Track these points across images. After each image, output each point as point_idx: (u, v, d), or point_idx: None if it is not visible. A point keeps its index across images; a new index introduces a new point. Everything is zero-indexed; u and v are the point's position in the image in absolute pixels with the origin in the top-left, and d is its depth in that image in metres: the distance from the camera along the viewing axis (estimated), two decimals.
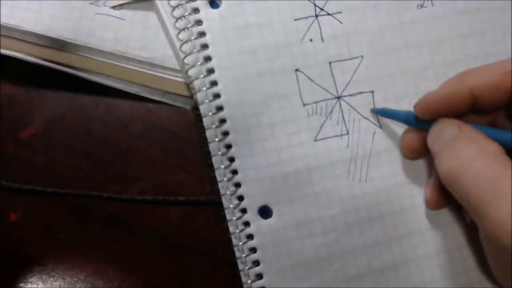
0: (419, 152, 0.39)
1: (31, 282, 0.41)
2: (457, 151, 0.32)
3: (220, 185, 0.40)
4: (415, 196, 0.41)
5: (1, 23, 0.41)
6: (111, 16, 0.43)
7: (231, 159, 0.40)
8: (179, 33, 0.41)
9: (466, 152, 0.31)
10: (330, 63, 0.42)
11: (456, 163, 0.32)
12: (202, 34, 0.40)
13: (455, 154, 0.32)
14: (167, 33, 0.43)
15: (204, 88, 0.40)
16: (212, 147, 0.40)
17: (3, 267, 0.41)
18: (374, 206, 0.41)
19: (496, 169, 0.30)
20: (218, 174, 0.40)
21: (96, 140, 0.44)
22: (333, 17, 0.42)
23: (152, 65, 0.43)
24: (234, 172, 0.40)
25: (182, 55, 0.41)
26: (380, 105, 0.42)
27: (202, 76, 0.40)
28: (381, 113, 0.41)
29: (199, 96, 0.40)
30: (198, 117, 0.40)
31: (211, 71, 0.40)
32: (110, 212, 0.43)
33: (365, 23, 0.43)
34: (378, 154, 0.41)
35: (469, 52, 0.43)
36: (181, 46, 0.41)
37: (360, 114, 0.42)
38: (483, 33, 0.44)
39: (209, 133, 0.40)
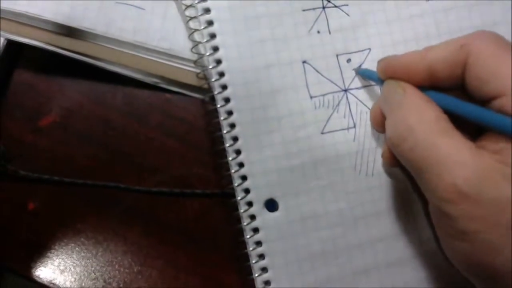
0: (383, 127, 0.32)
1: (47, 271, 0.36)
2: (398, 119, 0.28)
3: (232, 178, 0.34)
4: None
5: (21, 12, 0.36)
6: (131, 5, 0.37)
7: (238, 152, 0.33)
8: (188, 21, 0.34)
9: (406, 120, 0.27)
10: (337, 55, 0.35)
11: (396, 132, 0.28)
12: (210, 23, 0.34)
13: (396, 122, 0.28)
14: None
15: (213, 80, 0.33)
16: (224, 139, 0.34)
17: (20, 254, 0.36)
18: (380, 200, 0.34)
19: (432, 138, 0.26)
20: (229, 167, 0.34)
21: (113, 130, 0.38)
22: (340, 9, 0.36)
23: (171, 56, 0.37)
24: (241, 164, 0.33)
25: (192, 45, 0.35)
26: None
27: (210, 67, 0.33)
28: (362, 73, 0.35)
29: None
30: (216, 109, 0.34)
31: (218, 61, 0.33)
32: (126, 203, 0.37)
33: (372, 15, 0.36)
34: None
35: None
36: (190, 35, 0.35)
37: (367, 107, 0.35)
38: (495, 25, 0.36)
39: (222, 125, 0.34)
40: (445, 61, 0.28)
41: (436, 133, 0.26)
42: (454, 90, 0.29)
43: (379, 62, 0.31)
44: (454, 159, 0.24)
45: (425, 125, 0.26)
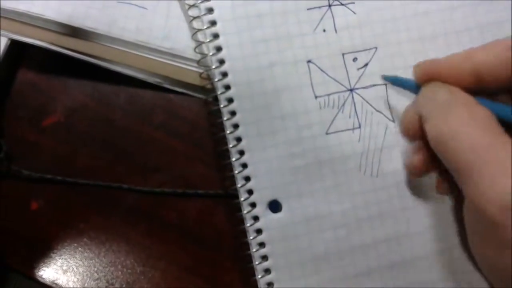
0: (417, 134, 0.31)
1: (50, 271, 0.36)
2: (448, 116, 0.26)
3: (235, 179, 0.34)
4: (428, 191, 0.34)
5: (24, 12, 0.36)
6: (134, 5, 0.37)
7: (241, 152, 0.33)
8: (191, 21, 0.35)
9: (457, 117, 0.26)
10: (343, 54, 0.35)
11: (446, 128, 0.26)
12: (213, 23, 0.34)
13: (446, 118, 0.26)
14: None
15: (216, 80, 0.33)
16: (227, 139, 0.34)
17: (23, 254, 0.36)
18: (385, 201, 0.34)
19: (486, 136, 0.25)
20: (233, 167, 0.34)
21: (116, 130, 0.38)
22: (346, 7, 0.36)
23: (174, 55, 0.37)
24: (244, 165, 0.33)
25: (195, 45, 0.35)
26: (393, 98, 0.35)
27: (213, 67, 0.33)
28: (391, 81, 0.34)
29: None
30: (219, 109, 0.34)
31: (221, 61, 0.34)
32: (129, 203, 0.37)
33: (379, 13, 0.36)
34: (390, 149, 0.34)
35: None
36: (193, 35, 0.35)
37: (373, 107, 0.35)
38: (501, 24, 0.36)
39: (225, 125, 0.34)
40: (492, 63, 0.27)
41: (492, 132, 0.25)
42: (502, 94, 0.28)
43: (416, 66, 0.30)
44: None
45: (481, 123, 0.25)
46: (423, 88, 0.30)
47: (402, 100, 0.34)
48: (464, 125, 0.25)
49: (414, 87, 0.31)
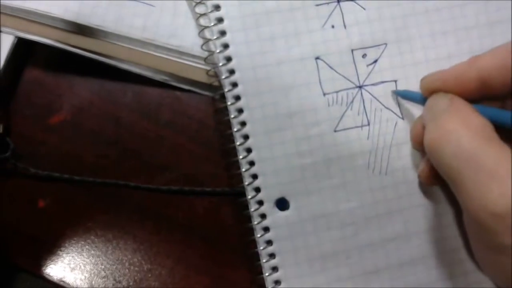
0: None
1: (57, 269, 0.37)
2: (443, 122, 0.27)
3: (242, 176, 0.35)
4: (436, 190, 0.35)
5: (31, 9, 0.37)
6: (141, 2, 0.38)
7: (248, 150, 0.34)
8: (198, 18, 0.35)
9: (451, 123, 0.27)
10: (352, 50, 0.36)
11: (439, 134, 0.27)
12: (220, 20, 0.34)
13: (440, 124, 0.27)
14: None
15: (223, 77, 0.34)
16: (234, 137, 0.35)
17: (30, 252, 0.37)
18: (393, 199, 0.35)
19: (479, 143, 0.25)
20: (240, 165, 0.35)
21: (123, 128, 0.39)
22: (356, 2, 0.36)
23: (181, 53, 0.38)
24: (251, 163, 0.34)
25: (202, 42, 0.36)
26: None
27: (220, 64, 0.34)
28: (402, 95, 0.35)
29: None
30: (226, 107, 0.35)
31: (228, 59, 0.34)
32: (136, 201, 0.38)
33: (388, 9, 0.36)
34: (399, 146, 0.35)
35: (497, 40, 0.36)
36: (200, 32, 0.36)
37: (382, 104, 0.35)
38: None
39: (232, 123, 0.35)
40: (496, 68, 0.28)
41: (484, 139, 0.25)
42: (508, 98, 0.29)
43: (423, 79, 0.31)
44: (506, 169, 0.24)
45: (472, 130, 0.26)
46: (428, 100, 0.31)
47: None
48: (457, 131, 0.26)
49: (422, 99, 0.32)
